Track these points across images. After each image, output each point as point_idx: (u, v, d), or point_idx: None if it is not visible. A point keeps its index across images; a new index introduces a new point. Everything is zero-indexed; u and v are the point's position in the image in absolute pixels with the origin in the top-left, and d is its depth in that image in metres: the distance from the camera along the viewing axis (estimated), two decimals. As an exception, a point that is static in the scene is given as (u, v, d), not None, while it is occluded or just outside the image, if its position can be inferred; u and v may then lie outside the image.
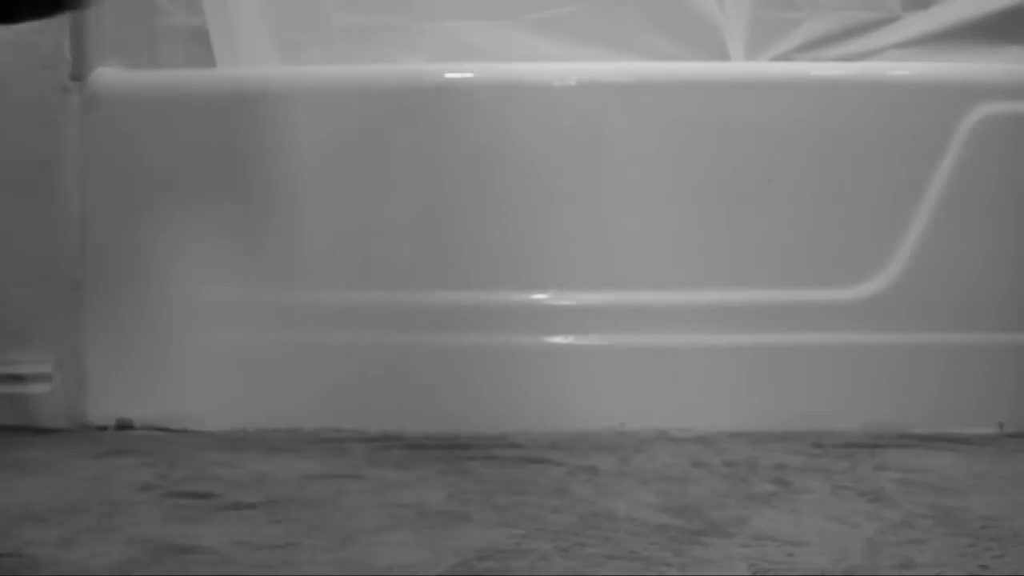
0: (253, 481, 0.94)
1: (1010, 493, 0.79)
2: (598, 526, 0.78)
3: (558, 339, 1.16)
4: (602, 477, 0.94)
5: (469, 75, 1.18)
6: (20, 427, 1.17)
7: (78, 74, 1.18)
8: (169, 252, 1.18)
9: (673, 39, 1.28)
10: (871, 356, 1.14)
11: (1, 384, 1.18)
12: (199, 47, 1.32)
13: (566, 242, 1.16)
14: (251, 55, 1.33)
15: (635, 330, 1.15)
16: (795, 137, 1.15)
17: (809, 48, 1.28)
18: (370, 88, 1.19)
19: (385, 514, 0.83)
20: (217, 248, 1.18)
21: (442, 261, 1.16)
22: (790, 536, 0.77)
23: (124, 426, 1.18)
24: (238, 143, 1.18)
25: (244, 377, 1.18)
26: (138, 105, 1.19)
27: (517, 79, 1.17)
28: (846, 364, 1.14)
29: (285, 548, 0.74)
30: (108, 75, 1.20)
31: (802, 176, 1.16)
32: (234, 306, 1.17)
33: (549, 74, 1.17)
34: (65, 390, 1.18)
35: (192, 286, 1.18)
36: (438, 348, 1.16)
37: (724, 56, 1.28)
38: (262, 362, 1.17)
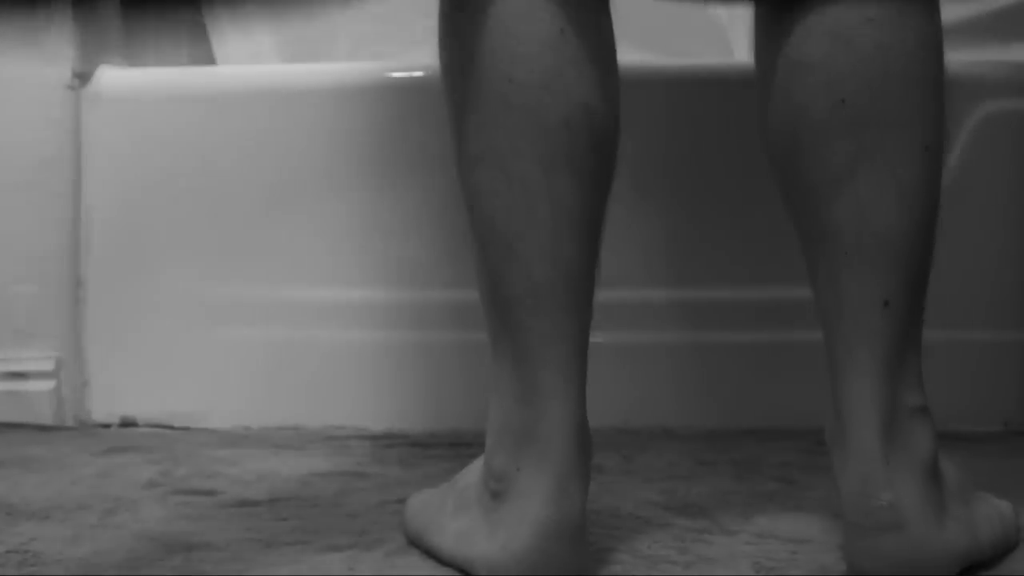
0: (257, 479, 0.94)
1: (1014, 491, 0.79)
2: (602, 524, 0.78)
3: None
4: (606, 475, 0.94)
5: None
6: (22, 424, 1.17)
7: (81, 72, 1.18)
8: (172, 249, 1.18)
9: (677, 36, 1.28)
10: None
11: (3, 381, 1.18)
12: (202, 45, 1.32)
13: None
14: (253, 53, 1.33)
15: (637, 327, 1.15)
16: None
17: None
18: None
19: (390, 511, 0.83)
20: (220, 245, 1.18)
21: (444, 260, 1.16)
22: (794, 534, 0.77)
23: (127, 423, 1.18)
24: (242, 140, 1.18)
25: (247, 375, 1.18)
26: (141, 103, 1.19)
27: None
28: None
29: (295, 546, 0.74)
30: (111, 73, 1.20)
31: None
32: (237, 303, 1.18)
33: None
34: (68, 387, 1.18)
35: (195, 283, 1.18)
36: (441, 346, 1.16)
37: (727, 54, 1.29)
38: (265, 360, 1.17)
